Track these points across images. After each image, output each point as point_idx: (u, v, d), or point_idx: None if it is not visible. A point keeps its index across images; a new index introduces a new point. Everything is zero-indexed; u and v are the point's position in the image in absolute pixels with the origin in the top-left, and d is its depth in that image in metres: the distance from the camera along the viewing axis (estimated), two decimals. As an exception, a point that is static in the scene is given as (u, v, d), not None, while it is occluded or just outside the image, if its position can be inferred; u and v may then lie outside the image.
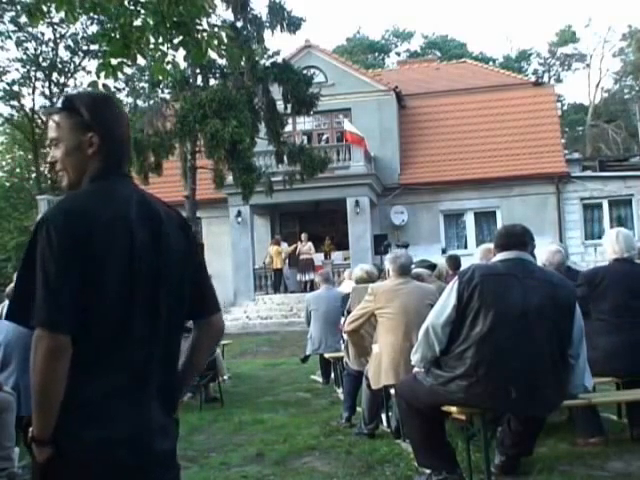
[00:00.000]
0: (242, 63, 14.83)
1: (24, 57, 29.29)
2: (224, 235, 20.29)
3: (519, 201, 20.59)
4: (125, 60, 5.07)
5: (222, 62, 15.71)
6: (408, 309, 4.99)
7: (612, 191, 20.67)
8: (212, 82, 17.16)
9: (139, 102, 18.24)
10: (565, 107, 43.99)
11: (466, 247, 20.49)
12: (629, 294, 4.66)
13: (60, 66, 30.13)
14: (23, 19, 24.07)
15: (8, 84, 29.78)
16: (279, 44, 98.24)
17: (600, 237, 16.64)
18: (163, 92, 17.51)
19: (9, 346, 4.91)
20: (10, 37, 27.93)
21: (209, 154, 16.04)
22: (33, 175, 32.93)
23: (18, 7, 24.46)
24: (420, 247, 19.04)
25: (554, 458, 4.41)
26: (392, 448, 4.99)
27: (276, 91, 16.83)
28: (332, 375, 8.39)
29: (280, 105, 16.95)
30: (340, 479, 4.44)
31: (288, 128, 19.25)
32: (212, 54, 5.16)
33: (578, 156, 25.90)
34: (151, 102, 17.13)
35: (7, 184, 34.53)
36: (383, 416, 5.63)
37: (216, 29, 5.08)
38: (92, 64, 29.90)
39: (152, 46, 5.05)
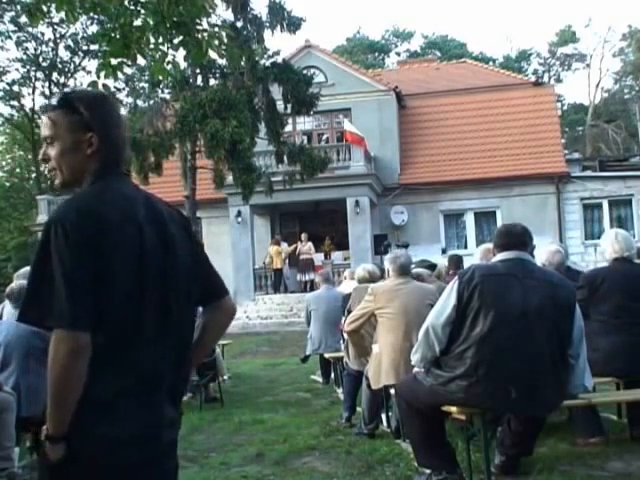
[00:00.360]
0: (242, 63, 14.82)
1: (24, 57, 29.37)
2: (224, 235, 20.30)
3: (519, 201, 20.59)
4: (125, 60, 5.07)
5: (222, 62, 15.69)
6: (408, 309, 4.98)
7: (612, 191, 20.67)
8: (212, 82, 17.15)
9: (139, 102, 18.20)
10: (565, 107, 44.02)
11: (466, 247, 20.49)
12: (628, 295, 4.67)
13: (60, 66, 30.18)
14: (23, 19, 24.11)
15: (8, 84, 29.86)
16: (279, 44, 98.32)
17: (600, 237, 16.67)
18: (163, 92, 17.51)
19: (9, 346, 4.90)
20: (10, 37, 28.01)
21: (209, 154, 16.02)
22: (33, 175, 32.97)
23: (18, 7, 24.48)
24: (420, 247, 19.06)
25: (554, 458, 4.41)
26: (392, 448, 4.99)
27: (276, 91, 16.82)
28: (332, 375, 8.39)
29: (280, 105, 16.94)
30: (340, 479, 4.44)
31: (288, 128, 19.24)
32: (212, 54, 5.15)
33: (578, 156, 25.90)
34: (151, 102, 17.10)
35: (7, 184, 34.58)
36: (383, 416, 5.63)
37: (216, 29, 5.08)
38: (92, 64, 30.01)
39: (152, 46, 5.05)
